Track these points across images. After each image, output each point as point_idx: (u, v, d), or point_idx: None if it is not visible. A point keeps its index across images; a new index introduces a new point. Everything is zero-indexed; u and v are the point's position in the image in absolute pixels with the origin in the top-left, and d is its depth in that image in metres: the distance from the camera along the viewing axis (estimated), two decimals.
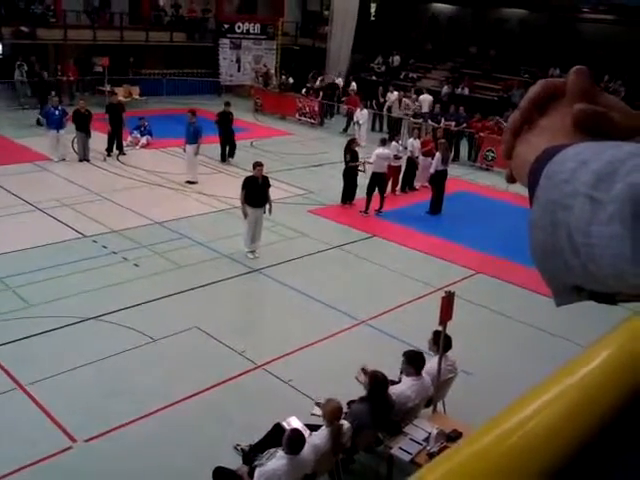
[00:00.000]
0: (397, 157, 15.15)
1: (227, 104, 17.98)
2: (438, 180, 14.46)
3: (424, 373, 6.43)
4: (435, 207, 14.43)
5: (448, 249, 12.17)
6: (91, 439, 6.51)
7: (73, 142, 16.73)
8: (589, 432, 0.49)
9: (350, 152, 14.46)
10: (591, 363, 0.54)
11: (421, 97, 22.75)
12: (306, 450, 5.37)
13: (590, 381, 0.52)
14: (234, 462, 6.04)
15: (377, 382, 6.09)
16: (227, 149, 17.65)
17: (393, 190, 15.32)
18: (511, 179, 0.66)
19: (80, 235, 11.67)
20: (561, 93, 0.63)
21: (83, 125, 16.21)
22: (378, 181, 13.90)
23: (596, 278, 0.51)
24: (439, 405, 6.82)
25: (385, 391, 6.12)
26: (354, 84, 24.81)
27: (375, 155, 13.94)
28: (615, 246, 0.47)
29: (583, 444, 0.48)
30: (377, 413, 6.02)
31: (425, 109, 22.07)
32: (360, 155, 14.64)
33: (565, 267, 0.52)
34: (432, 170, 14.56)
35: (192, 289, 9.84)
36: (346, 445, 5.80)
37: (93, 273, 10.16)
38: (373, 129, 22.50)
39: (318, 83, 25.21)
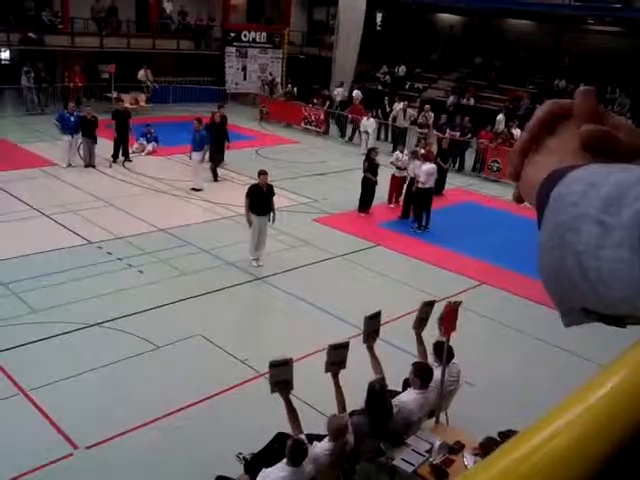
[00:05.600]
0: (399, 167, 15.11)
1: (219, 107, 18.15)
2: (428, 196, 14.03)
3: (430, 386, 6.41)
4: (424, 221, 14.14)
5: (452, 259, 12.16)
6: (93, 446, 6.51)
7: (79, 148, 16.82)
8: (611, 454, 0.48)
9: (368, 161, 14.50)
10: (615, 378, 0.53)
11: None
12: (306, 461, 5.36)
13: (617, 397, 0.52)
14: (235, 471, 6.03)
15: (374, 392, 6.07)
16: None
17: (397, 200, 15.31)
18: (519, 199, 0.66)
19: (85, 241, 11.70)
20: (568, 114, 0.63)
21: (89, 131, 16.32)
22: (426, 196, 13.85)
23: (605, 301, 0.51)
24: (442, 416, 6.80)
25: (384, 400, 6.10)
26: (358, 92, 24.83)
27: (424, 173, 13.75)
28: (624, 271, 0.47)
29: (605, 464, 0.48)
30: (377, 423, 6.01)
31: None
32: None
33: (574, 289, 0.53)
34: (423, 179, 13.76)
35: (196, 296, 9.85)
36: (344, 464, 5.78)
37: (98, 279, 10.18)
38: (378, 138, 22.55)
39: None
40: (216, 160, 16.53)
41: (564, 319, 0.58)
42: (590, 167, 0.55)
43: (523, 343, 9.21)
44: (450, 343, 6.54)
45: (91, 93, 24.73)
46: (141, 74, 25.98)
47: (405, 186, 14.82)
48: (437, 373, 6.53)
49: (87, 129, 16.32)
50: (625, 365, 0.52)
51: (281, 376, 5.57)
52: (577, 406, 0.50)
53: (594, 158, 0.58)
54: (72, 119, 16.43)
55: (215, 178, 16.36)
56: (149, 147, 18.65)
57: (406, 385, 6.66)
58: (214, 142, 16.23)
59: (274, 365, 5.58)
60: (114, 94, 22.56)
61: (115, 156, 17.24)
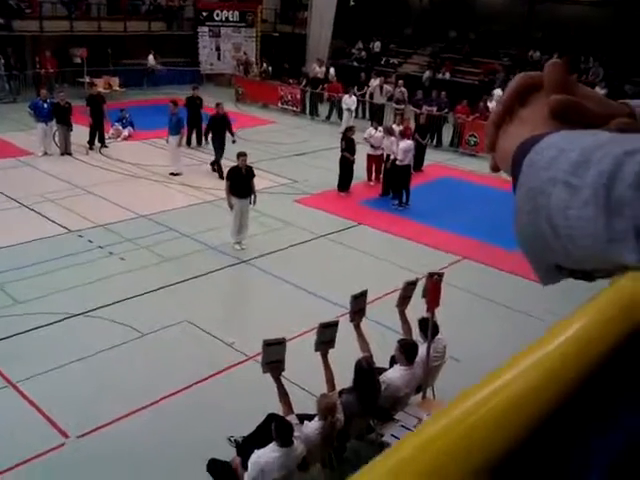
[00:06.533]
0: (372, 145, 15.11)
1: (194, 88, 17.92)
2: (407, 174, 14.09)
3: (415, 361, 6.52)
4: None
5: (433, 235, 12.26)
6: (84, 435, 6.54)
7: (54, 136, 16.59)
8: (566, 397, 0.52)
9: (345, 140, 14.47)
10: (577, 324, 0.57)
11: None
12: (298, 441, 5.45)
13: (579, 339, 0.56)
14: (227, 454, 6.09)
15: (362, 370, 6.17)
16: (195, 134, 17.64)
17: (377, 177, 15.35)
18: (495, 169, 0.70)
19: (65, 230, 11.61)
20: (539, 86, 0.67)
21: (63, 118, 16.09)
22: (405, 173, 13.84)
23: (575, 257, 0.55)
24: (429, 391, 6.92)
25: (371, 378, 6.20)
26: (332, 70, 24.78)
27: (401, 150, 13.74)
28: (591, 227, 0.51)
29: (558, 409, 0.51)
30: (365, 400, 6.11)
31: None
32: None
33: (547, 248, 0.57)
34: (401, 157, 13.80)
35: (180, 282, 9.85)
36: (335, 442, 5.88)
37: (80, 268, 10.13)
38: (356, 116, 22.50)
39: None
40: (219, 156, 15.29)
41: (540, 278, 0.62)
42: (559, 134, 0.59)
43: (507, 316, 9.35)
44: (434, 319, 6.64)
45: (63, 79, 24.31)
46: (151, 59, 26.02)
47: (383, 163, 14.88)
48: (423, 349, 6.63)
49: (61, 116, 16.07)
50: (580, 318, 0.56)
51: (274, 356, 5.64)
52: (534, 355, 0.54)
53: (564, 126, 0.62)
54: (45, 106, 16.17)
55: (221, 176, 14.50)
56: (125, 132, 18.45)
57: (393, 362, 6.76)
58: (217, 136, 15.32)
59: (268, 344, 5.64)
60: (87, 79, 22.21)
61: (91, 142, 17.03)
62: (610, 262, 0.52)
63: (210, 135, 15.61)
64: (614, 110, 0.65)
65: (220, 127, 15.28)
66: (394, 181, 14.13)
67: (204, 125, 17.34)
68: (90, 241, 11.18)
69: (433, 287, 6.58)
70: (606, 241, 0.50)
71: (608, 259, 0.52)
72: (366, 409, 6.15)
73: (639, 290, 0.55)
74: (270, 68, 25.84)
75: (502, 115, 0.69)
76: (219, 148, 15.27)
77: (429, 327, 6.55)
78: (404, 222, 13.07)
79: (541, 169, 0.56)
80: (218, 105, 15.58)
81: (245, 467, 5.47)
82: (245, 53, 27.69)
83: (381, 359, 6.77)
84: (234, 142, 15.17)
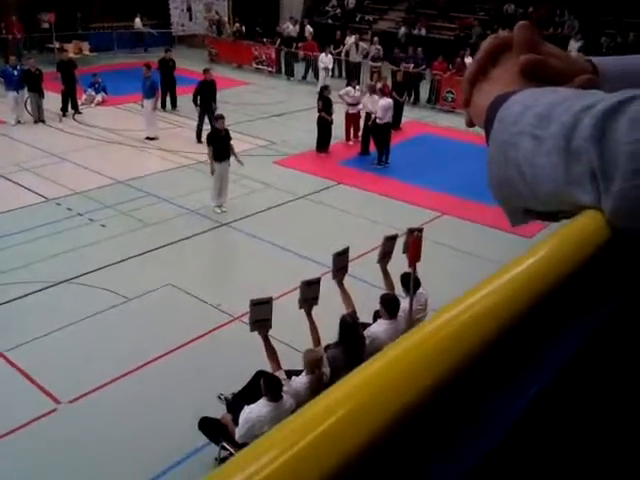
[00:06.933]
0: (351, 104, 15.04)
1: (167, 50, 17.66)
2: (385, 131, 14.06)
3: (399, 315, 6.65)
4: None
5: (413, 193, 12.34)
6: (75, 400, 6.61)
7: (26, 103, 16.29)
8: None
9: (322, 99, 14.37)
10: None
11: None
12: (287, 396, 5.58)
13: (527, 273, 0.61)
14: (218, 412, 6.21)
15: (347, 325, 6.29)
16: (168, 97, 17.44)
17: (355, 136, 15.33)
18: (470, 124, 0.77)
19: (43, 199, 11.51)
20: (509, 46, 0.73)
21: (35, 85, 15.77)
22: (385, 132, 13.81)
23: (541, 200, 0.63)
24: None
25: (356, 332, 6.32)
26: (309, 28, 24.43)
27: (381, 108, 13.65)
28: (553, 173, 0.58)
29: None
30: (351, 353, 6.24)
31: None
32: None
33: (516, 194, 0.64)
34: (380, 115, 13.72)
35: (162, 246, 9.86)
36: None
37: (60, 236, 10.09)
38: (332, 75, 22.29)
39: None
40: (210, 121, 14.25)
41: (511, 220, 0.71)
42: (525, 92, 0.65)
43: (488, 269, 9.43)
44: (416, 273, 6.75)
45: (31, 44, 23.71)
46: (137, 22, 25.47)
47: (362, 122, 14.83)
48: (405, 303, 6.76)
49: (32, 83, 15.73)
50: (534, 255, 0.63)
51: (261, 315, 5.75)
52: (502, 278, 0.60)
53: (532, 83, 0.68)
54: (15, 73, 15.82)
55: (199, 140, 14.56)
56: (98, 97, 18.17)
57: (376, 317, 6.88)
58: (204, 101, 14.75)
59: (255, 304, 5.74)
60: (56, 44, 21.70)
61: (64, 109, 16.76)
62: (570, 203, 0.60)
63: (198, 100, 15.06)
64: (578, 67, 0.72)
65: (208, 92, 14.93)
66: (374, 140, 14.11)
67: (179, 87, 17.19)
68: (69, 209, 11.11)
69: (414, 242, 6.66)
70: (566, 184, 0.58)
71: (568, 200, 0.59)
72: (352, 362, 6.28)
73: (588, 226, 0.63)
74: (243, 28, 25.39)
75: (476, 74, 0.75)
76: (205, 113, 14.86)
77: (411, 282, 6.66)
78: (384, 180, 13.12)
79: (510, 124, 0.63)
80: (206, 71, 15.27)
81: (236, 423, 5.59)
82: (217, 13, 27.14)
83: (365, 315, 6.89)
84: (215, 109, 14.93)
